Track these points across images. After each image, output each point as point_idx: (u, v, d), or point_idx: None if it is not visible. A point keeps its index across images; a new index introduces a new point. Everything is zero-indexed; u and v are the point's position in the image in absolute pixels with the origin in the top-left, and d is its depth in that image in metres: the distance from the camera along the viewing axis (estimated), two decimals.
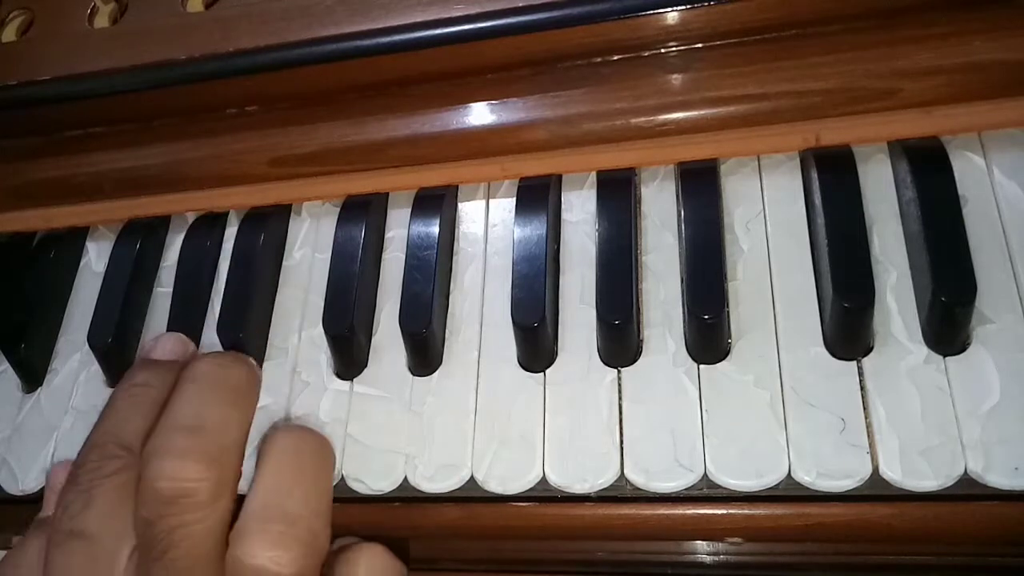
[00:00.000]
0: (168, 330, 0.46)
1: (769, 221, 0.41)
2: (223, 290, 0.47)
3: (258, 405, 0.38)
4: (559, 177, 0.45)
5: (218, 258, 0.49)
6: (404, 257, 0.44)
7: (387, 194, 0.48)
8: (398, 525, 0.40)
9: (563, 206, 0.44)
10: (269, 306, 0.46)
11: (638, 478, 0.37)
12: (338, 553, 0.36)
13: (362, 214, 0.46)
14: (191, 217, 0.51)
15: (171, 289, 0.48)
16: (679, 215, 0.42)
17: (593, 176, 0.45)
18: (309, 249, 0.47)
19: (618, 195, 0.43)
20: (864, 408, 0.36)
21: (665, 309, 0.40)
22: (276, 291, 0.47)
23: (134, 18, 0.48)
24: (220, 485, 0.33)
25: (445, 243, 0.44)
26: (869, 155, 0.41)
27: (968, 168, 0.39)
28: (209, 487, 0.32)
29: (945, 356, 0.36)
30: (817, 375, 0.37)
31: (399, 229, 0.46)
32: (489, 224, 0.45)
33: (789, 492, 0.36)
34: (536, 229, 0.43)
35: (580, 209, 0.44)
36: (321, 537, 0.35)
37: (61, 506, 0.35)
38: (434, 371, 0.42)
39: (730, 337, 0.39)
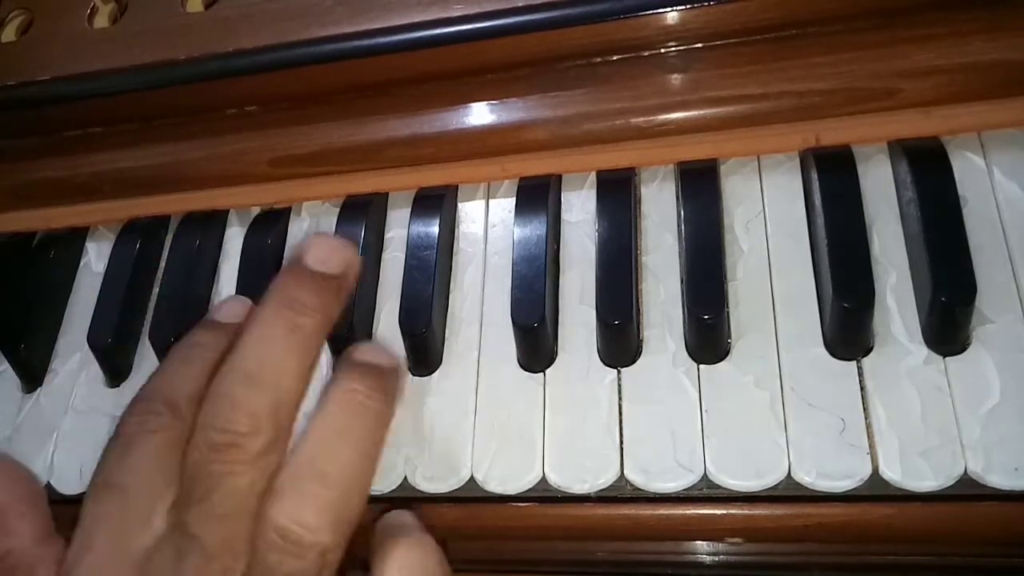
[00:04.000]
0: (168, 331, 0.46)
1: (769, 221, 0.41)
2: (223, 291, 0.47)
3: None
4: (559, 177, 0.45)
5: (218, 258, 0.49)
6: (404, 257, 0.44)
7: (387, 194, 0.48)
8: None
9: (563, 206, 0.44)
10: None
11: (638, 478, 0.37)
12: (378, 537, 0.35)
13: (362, 214, 0.46)
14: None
15: (170, 289, 0.48)
16: (679, 215, 0.42)
17: (593, 176, 0.45)
18: None
19: (618, 195, 0.43)
20: (864, 408, 0.36)
21: (665, 309, 0.40)
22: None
23: (134, 18, 0.48)
24: (270, 440, 0.33)
25: (445, 243, 0.44)
26: (869, 155, 0.41)
27: (968, 168, 0.39)
28: (260, 441, 0.32)
29: (945, 356, 0.36)
30: (817, 375, 0.37)
31: (399, 229, 0.46)
32: (489, 224, 0.45)
33: (789, 492, 0.36)
34: (536, 229, 0.43)
35: (580, 209, 0.44)
36: (355, 508, 0.34)
37: (102, 459, 0.34)
38: (434, 371, 0.42)
39: (730, 337, 0.39)
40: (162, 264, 0.50)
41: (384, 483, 0.40)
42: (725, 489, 0.36)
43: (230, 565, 0.32)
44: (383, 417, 0.36)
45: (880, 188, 0.40)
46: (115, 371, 0.47)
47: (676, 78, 0.42)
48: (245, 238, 0.48)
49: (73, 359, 0.48)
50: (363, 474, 0.34)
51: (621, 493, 0.37)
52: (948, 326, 0.36)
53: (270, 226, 0.48)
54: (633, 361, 0.39)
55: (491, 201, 0.46)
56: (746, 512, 0.36)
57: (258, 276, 0.46)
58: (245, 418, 0.33)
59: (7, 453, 0.36)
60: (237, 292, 0.46)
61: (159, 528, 0.33)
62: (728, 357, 0.38)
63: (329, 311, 0.36)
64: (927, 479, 0.34)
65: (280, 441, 0.33)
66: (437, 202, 0.45)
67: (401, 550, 0.34)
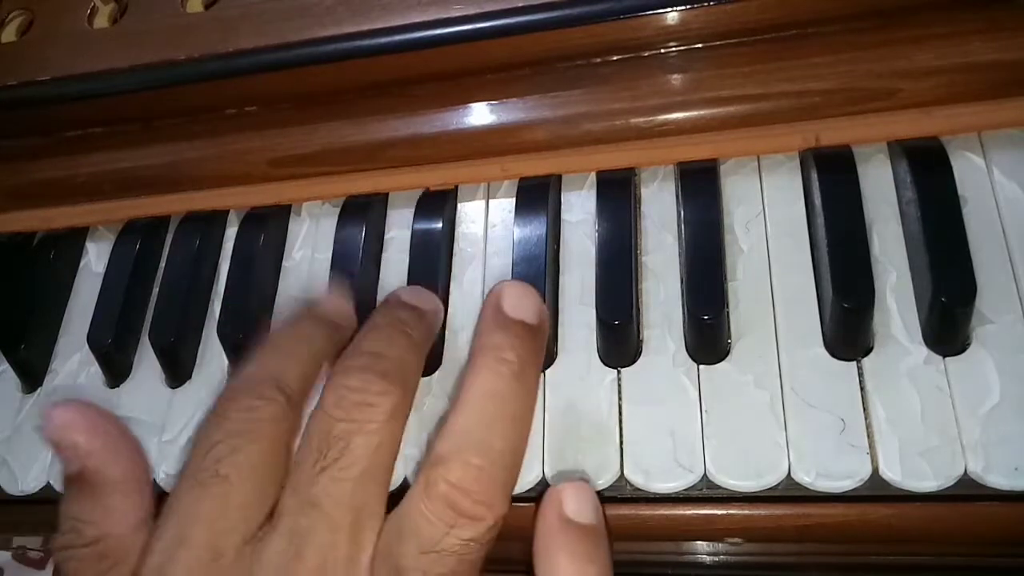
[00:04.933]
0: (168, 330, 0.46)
1: (769, 221, 0.41)
2: (223, 291, 0.47)
3: None
4: (559, 177, 0.45)
5: (218, 258, 0.49)
6: (404, 257, 0.44)
7: (387, 194, 0.48)
8: None
9: (563, 206, 0.44)
10: (269, 306, 0.46)
11: (638, 478, 0.37)
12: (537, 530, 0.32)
13: (362, 214, 0.46)
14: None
15: (170, 289, 0.48)
16: (679, 215, 0.42)
17: (593, 176, 0.45)
18: (309, 249, 0.47)
19: (618, 195, 0.43)
20: (864, 408, 0.36)
21: (665, 309, 0.40)
22: (276, 291, 0.47)
23: (134, 18, 0.48)
24: (399, 404, 0.32)
25: (445, 243, 0.44)
26: (869, 155, 0.41)
27: (968, 168, 0.39)
28: (391, 402, 0.32)
29: (945, 356, 0.36)
30: (817, 375, 0.37)
31: (399, 229, 0.46)
32: (489, 224, 0.45)
33: (789, 492, 0.36)
34: (536, 229, 0.43)
35: (580, 209, 0.44)
36: (515, 480, 0.33)
37: (206, 442, 0.31)
38: (434, 372, 0.42)
39: (730, 337, 0.39)
40: (162, 264, 0.50)
41: None
42: (725, 489, 0.36)
43: (363, 542, 0.30)
44: (535, 383, 0.35)
45: (880, 188, 0.40)
46: (115, 371, 0.47)
47: (676, 78, 0.42)
48: (236, 236, 0.48)
49: (73, 359, 0.48)
50: (522, 443, 0.33)
51: (621, 493, 0.37)
52: (948, 326, 0.36)
53: (264, 224, 0.48)
54: (633, 361, 0.39)
55: (491, 201, 0.46)
56: (746, 512, 0.36)
57: (256, 275, 0.46)
58: (377, 377, 0.32)
59: (128, 427, 0.33)
60: (227, 289, 0.46)
61: (264, 525, 0.31)
62: (728, 357, 0.38)
63: (430, 341, 0.38)
64: (927, 479, 0.34)
65: (407, 409, 0.33)
66: (437, 202, 0.45)
67: (564, 545, 0.32)
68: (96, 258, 0.52)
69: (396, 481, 0.39)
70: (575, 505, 0.32)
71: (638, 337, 0.40)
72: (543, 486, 0.38)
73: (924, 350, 0.36)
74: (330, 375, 0.33)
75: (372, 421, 0.31)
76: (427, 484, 0.30)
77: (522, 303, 0.35)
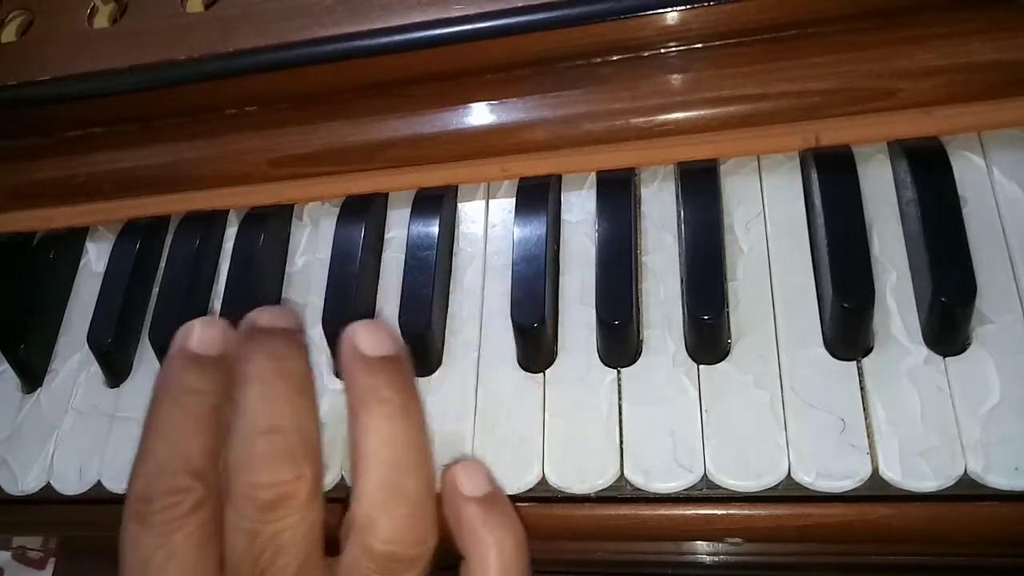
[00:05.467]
0: (168, 330, 0.46)
1: (769, 221, 0.41)
2: (223, 291, 0.47)
3: None
4: (559, 177, 0.45)
5: (218, 258, 0.49)
6: (404, 257, 0.44)
7: (387, 194, 0.48)
8: None
9: (563, 206, 0.44)
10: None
11: (638, 479, 0.37)
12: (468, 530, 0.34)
13: (362, 214, 0.46)
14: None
15: (170, 289, 0.48)
16: (679, 215, 0.42)
17: (593, 176, 0.45)
18: (309, 250, 0.47)
19: (618, 195, 0.43)
20: (864, 408, 0.36)
21: (665, 309, 0.40)
22: (276, 291, 0.47)
23: (134, 18, 0.48)
24: (315, 480, 0.31)
25: (445, 243, 0.44)
26: (869, 155, 0.41)
27: (968, 168, 0.39)
28: (307, 483, 0.31)
29: (945, 356, 0.36)
30: (817, 375, 0.37)
31: (399, 229, 0.46)
32: (489, 224, 0.45)
33: (789, 492, 0.36)
34: (536, 229, 0.43)
35: (580, 209, 0.44)
36: (434, 498, 0.33)
37: (139, 552, 0.31)
38: (433, 371, 0.42)
39: (730, 337, 0.39)
40: (162, 264, 0.50)
41: None
42: (725, 489, 0.36)
43: None
44: (420, 408, 0.34)
45: (880, 188, 0.40)
46: (115, 371, 0.47)
47: (676, 78, 0.42)
48: (236, 235, 0.48)
49: (73, 359, 0.48)
50: (431, 469, 0.33)
51: (621, 493, 0.37)
52: (948, 326, 0.36)
53: (264, 224, 0.48)
54: (633, 361, 0.39)
55: (491, 201, 0.46)
56: (746, 512, 0.36)
57: (248, 274, 0.46)
58: (285, 462, 0.31)
59: None
60: (228, 291, 0.46)
61: None
62: (728, 357, 0.38)
63: (309, 360, 0.35)
64: (927, 479, 0.34)
65: (321, 473, 0.32)
66: (437, 202, 0.45)
67: (493, 543, 0.33)
68: (96, 258, 0.52)
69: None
70: (469, 482, 0.35)
71: (638, 337, 0.40)
72: (543, 486, 0.38)
73: (924, 350, 0.36)
74: (232, 466, 0.31)
75: (295, 513, 0.31)
76: (364, 549, 0.31)
77: (376, 339, 0.34)
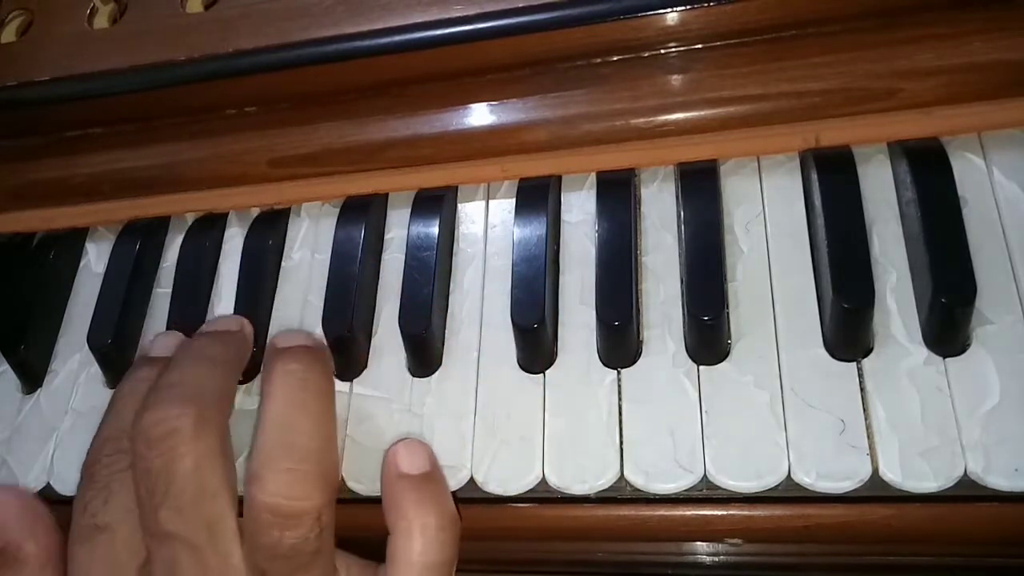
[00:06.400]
0: (168, 330, 0.46)
1: (769, 222, 0.41)
2: (223, 291, 0.47)
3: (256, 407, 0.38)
4: (559, 178, 0.45)
5: (218, 259, 0.49)
6: (404, 258, 0.44)
7: (387, 195, 0.48)
8: None
9: (563, 207, 0.44)
10: (268, 307, 0.46)
11: (638, 479, 0.37)
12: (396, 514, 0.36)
13: (362, 215, 0.46)
14: (191, 218, 0.51)
15: (171, 290, 0.48)
16: (679, 216, 0.42)
17: (593, 177, 0.45)
18: (308, 250, 0.47)
19: (618, 196, 0.43)
20: (864, 409, 0.36)
21: (665, 310, 0.40)
22: (275, 292, 0.47)
23: (134, 18, 0.48)
24: (201, 418, 0.34)
25: (445, 244, 0.44)
26: (869, 156, 0.41)
27: (968, 169, 0.39)
28: (191, 419, 0.34)
29: (945, 357, 0.36)
30: (817, 376, 0.37)
31: (399, 230, 0.46)
32: (489, 225, 0.45)
33: (789, 493, 0.36)
34: (536, 230, 0.43)
35: (580, 210, 0.44)
36: (333, 464, 0.36)
37: (81, 504, 0.36)
38: (434, 372, 0.42)
39: (730, 338, 0.39)
40: (162, 264, 0.50)
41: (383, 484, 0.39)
42: (725, 490, 0.36)
43: (227, 548, 0.34)
44: (325, 387, 0.38)
45: (880, 189, 0.40)
46: (115, 371, 0.47)
47: (676, 79, 0.42)
48: (246, 239, 0.48)
49: (73, 359, 0.48)
50: (327, 435, 0.36)
51: (621, 494, 0.37)
52: (948, 327, 0.36)
53: (270, 227, 0.48)
54: (633, 362, 0.39)
55: (491, 201, 0.46)
56: (746, 513, 0.36)
57: (258, 277, 0.46)
58: (173, 402, 0.35)
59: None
60: (237, 293, 0.46)
61: (145, 554, 0.34)
62: (728, 358, 0.38)
63: (238, 356, 0.41)
64: (927, 480, 0.34)
65: (213, 420, 0.35)
66: (437, 202, 0.45)
67: (416, 528, 0.35)
68: (96, 258, 0.52)
69: None
70: (407, 460, 0.37)
71: (638, 337, 0.40)
72: (543, 487, 0.38)
73: (924, 350, 0.36)
74: (139, 412, 0.36)
75: (180, 444, 0.34)
76: (248, 503, 0.34)
77: (294, 335, 0.40)
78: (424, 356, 0.42)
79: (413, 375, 0.42)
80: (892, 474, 0.34)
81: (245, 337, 0.42)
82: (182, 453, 0.34)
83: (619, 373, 0.39)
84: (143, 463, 0.34)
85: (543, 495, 0.38)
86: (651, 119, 0.42)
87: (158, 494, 0.33)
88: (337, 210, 0.47)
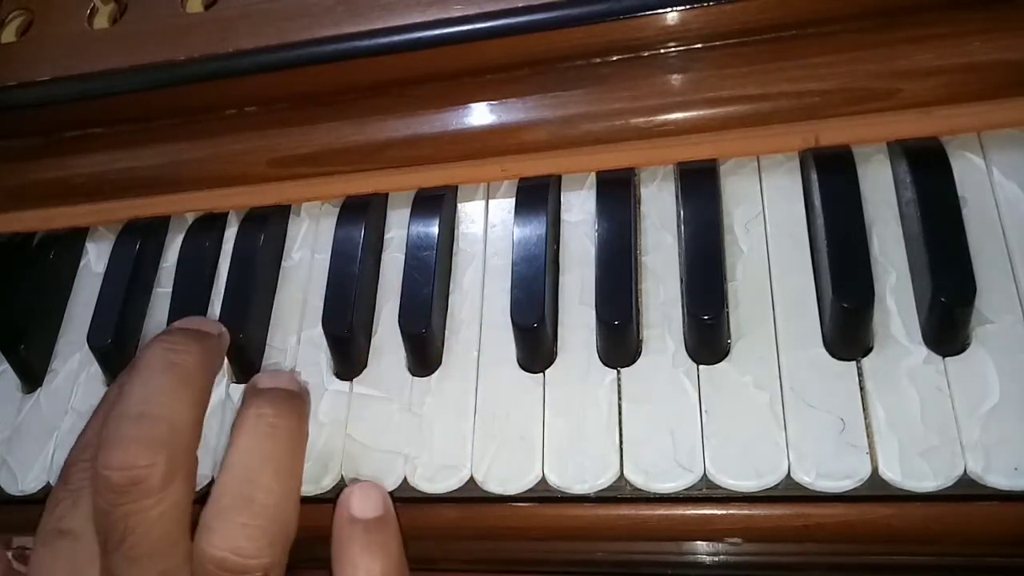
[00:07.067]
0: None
1: (769, 222, 0.41)
2: (223, 291, 0.47)
3: None
4: (559, 177, 0.45)
5: (218, 258, 0.49)
6: (403, 257, 0.44)
7: (386, 194, 0.48)
8: None
9: (563, 206, 0.44)
10: (268, 307, 0.46)
11: (637, 479, 0.37)
12: (341, 544, 0.35)
13: (361, 215, 0.46)
14: (191, 217, 0.51)
15: (171, 289, 0.48)
16: (679, 215, 0.42)
17: (593, 176, 0.45)
18: (308, 250, 0.47)
19: (618, 195, 0.43)
20: (864, 409, 0.36)
21: (665, 310, 0.40)
22: (275, 292, 0.47)
23: (134, 18, 0.48)
24: (171, 468, 0.33)
25: (444, 243, 0.44)
26: (869, 156, 0.41)
27: (968, 169, 0.39)
28: (160, 471, 0.33)
29: (945, 357, 0.36)
30: (816, 376, 0.37)
31: (399, 229, 0.46)
32: (489, 224, 0.45)
33: (788, 492, 0.36)
34: (536, 229, 0.43)
35: (580, 209, 0.44)
36: (289, 522, 0.35)
37: (52, 503, 0.35)
38: (433, 372, 0.42)
39: (729, 338, 0.39)
40: (162, 264, 0.50)
41: (384, 484, 0.39)
42: (725, 489, 0.36)
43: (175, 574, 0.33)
44: (296, 435, 0.37)
45: (880, 188, 0.40)
46: (115, 371, 0.47)
47: (676, 78, 0.42)
48: (236, 236, 0.48)
49: (73, 359, 0.48)
50: (288, 492, 0.35)
51: (621, 493, 0.37)
52: (948, 326, 0.36)
53: (264, 224, 0.48)
54: (633, 361, 0.39)
55: (491, 201, 0.46)
56: (745, 512, 0.36)
57: (243, 280, 0.46)
58: (142, 448, 0.33)
59: None
60: (226, 292, 0.46)
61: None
62: (728, 357, 0.38)
63: (212, 363, 0.39)
64: (927, 479, 0.34)
65: (183, 467, 0.34)
66: (437, 202, 0.45)
67: (364, 559, 0.35)
68: (96, 258, 0.52)
69: (396, 482, 0.40)
70: (360, 503, 0.36)
71: (638, 337, 0.40)
72: (543, 486, 0.38)
73: (924, 350, 0.36)
74: (100, 443, 0.34)
75: (145, 498, 0.32)
76: (197, 553, 0.33)
77: (276, 376, 0.40)
78: (424, 356, 0.42)
79: (413, 375, 0.42)
80: (892, 473, 0.34)
81: (221, 345, 0.41)
82: (146, 507, 0.32)
83: (619, 373, 0.39)
84: (103, 502, 0.33)
85: (543, 494, 0.38)
86: (651, 119, 0.42)
87: (113, 540, 0.32)
88: (337, 210, 0.47)
